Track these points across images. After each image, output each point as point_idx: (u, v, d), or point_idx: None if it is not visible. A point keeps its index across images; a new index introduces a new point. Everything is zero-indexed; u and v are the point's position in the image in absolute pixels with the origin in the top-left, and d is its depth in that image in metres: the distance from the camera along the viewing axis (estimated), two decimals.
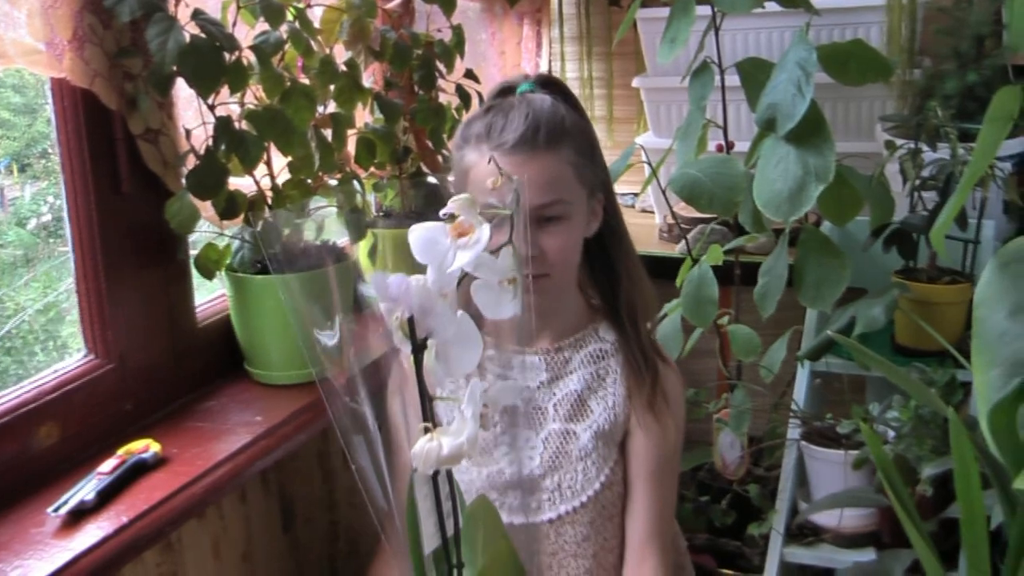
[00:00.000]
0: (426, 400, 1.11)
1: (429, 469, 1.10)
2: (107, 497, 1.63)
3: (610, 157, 2.61)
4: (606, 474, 1.84)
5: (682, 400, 1.96)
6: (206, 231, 1.99)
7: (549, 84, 1.90)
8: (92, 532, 1.54)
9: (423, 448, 1.08)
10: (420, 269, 2.35)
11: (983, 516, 1.13)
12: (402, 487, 1.26)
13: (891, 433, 2.12)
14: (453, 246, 1.07)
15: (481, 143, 1.78)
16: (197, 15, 1.77)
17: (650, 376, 1.88)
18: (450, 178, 2.00)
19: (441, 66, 2.43)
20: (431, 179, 2.47)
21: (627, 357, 1.89)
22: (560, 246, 1.79)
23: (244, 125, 1.89)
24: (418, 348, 1.08)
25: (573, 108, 1.87)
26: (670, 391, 1.90)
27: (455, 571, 1.19)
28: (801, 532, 2.32)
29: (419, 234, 1.08)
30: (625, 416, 1.87)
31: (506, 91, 1.89)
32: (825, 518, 2.24)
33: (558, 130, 1.78)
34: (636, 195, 3.58)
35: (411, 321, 1.07)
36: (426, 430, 1.10)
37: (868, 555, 2.19)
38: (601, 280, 1.93)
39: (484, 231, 1.07)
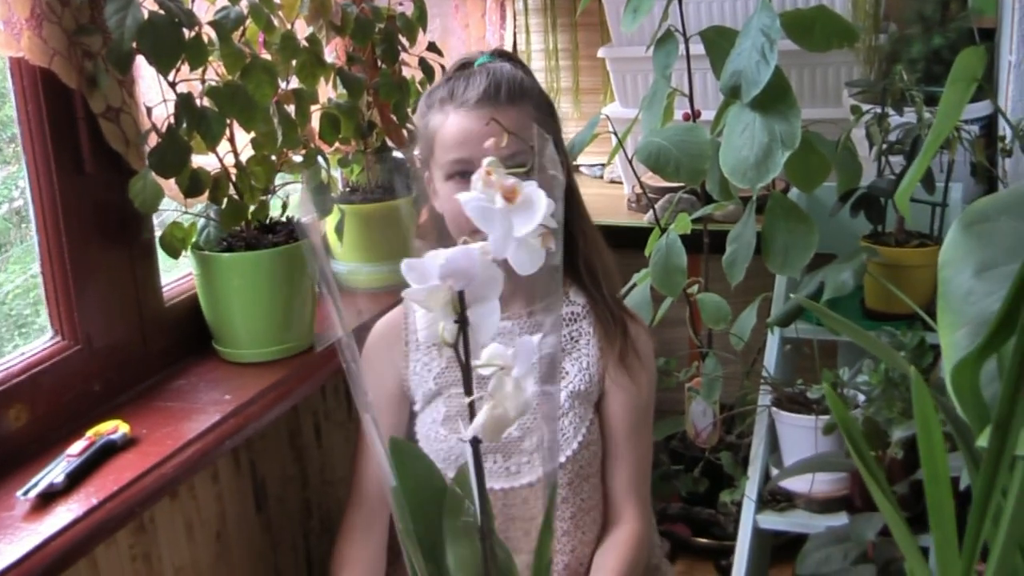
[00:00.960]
0: (470, 373, 1.09)
1: (497, 437, 1.09)
2: (77, 479, 1.62)
3: (576, 128, 2.62)
4: (583, 434, 1.85)
5: (652, 356, 1.97)
6: (171, 209, 1.98)
7: (505, 56, 1.95)
8: (62, 515, 1.54)
9: (489, 417, 1.07)
10: (386, 244, 2.35)
11: (947, 476, 1.13)
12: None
13: (861, 397, 2.13)
14: (507, 211, 1.05)
15: (445, 104, 1.84)
16: None
17: (620, 335, 1.90)
18: (415, 152, 2.00)
19: (404, 40, 2.42)
20: (396, 154, 2.46)
21: (598, 318, 1.91)
22: None
23: (206, 102, 1.87)
24: (466, 321, 1.07)
25: (531, 79, 1.92)
26: (641, 348, 1.93)
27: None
28: (773, 498, 2.33)
29: (474, 204, 1.05)
30: (600, 376, 1.89)
31: (464, 65, 1.92)
32: (797, 484, 2.25)
33: (518, 89, 1.84)
34: (604, 166, 3.58)
35: (462, 295, 1.05)
36: (471, 404, 1.09)
37: (840, 519, 2.19)
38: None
39: (536, 193, 1.05)
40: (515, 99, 1.82)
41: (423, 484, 1.22)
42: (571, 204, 1.90)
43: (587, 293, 1.92)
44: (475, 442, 1.11)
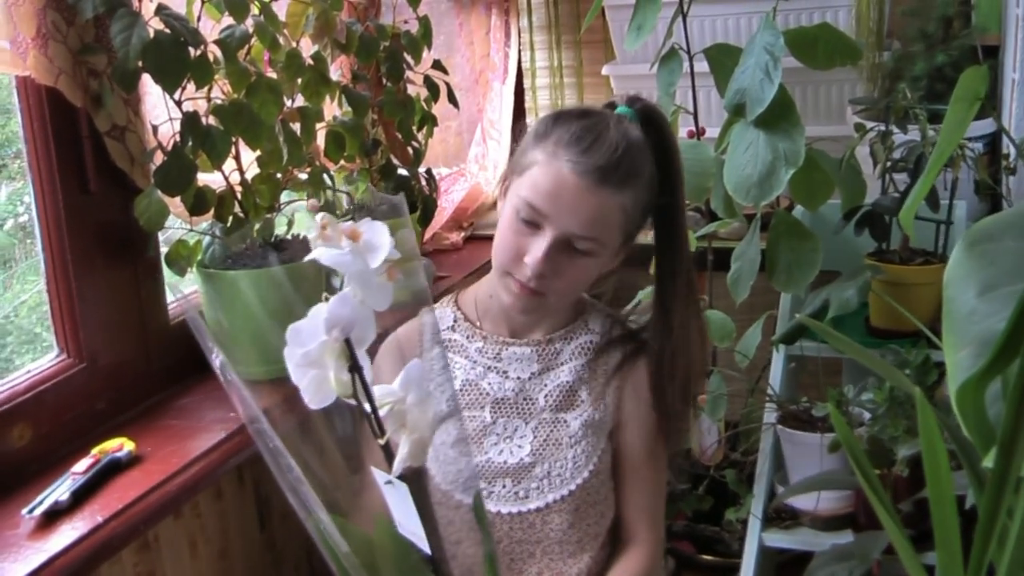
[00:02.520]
0: (376, 414, 1.11)
1: (423, 461, 1.11)
2: (81, 497, 1.62)
3: None
4: (595, 463, 1.84)
5: None
6: (176, 227, 1.98)
7: (649, 119, 1.81)
8: (67, 533, 1.54)
9: (410, 445, 1.09)
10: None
11: (952, 496, 1.13)
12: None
13: (866, 415, 2.12)
14: (358, 251, 1.08)
15: (558, 149, 1.71)
16: (161, 10, 1.76)
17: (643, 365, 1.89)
18: (431, 169, 1.99)
19: (408, 58, 2.43)
20: (401, 171, 2.46)
21: (619, 348, 1.89)
22: (574, 278, 1.77)
23: (211, 120, 1.88)
24: (359, 367, 1.09)
25: (662, 147, 1.80)
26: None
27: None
28: (779, 516, 2.32)
29: (329, 258, 1.09)
30: (615, 406, 1.87)
31: (609, 107, 1.81)
32: (802, 501, 2.25)
33: (635, 173, 1.72)
34: None
35: (349, 342, 1.08)
36: (385, 446, 1.11)
37: (846, 537, 2.19)
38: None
39: (376, 226, 1.09)
40: (621, 184, 1.70)
41: (358, 545, 1.24)
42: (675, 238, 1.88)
43: (607, 322, 1.90)
44: (407, 478, 1.12)
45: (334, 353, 1.08)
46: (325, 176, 2.15)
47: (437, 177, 2.67)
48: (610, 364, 1.88)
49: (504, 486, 1.83)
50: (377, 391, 1.12)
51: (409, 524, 1.16)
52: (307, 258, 1.08)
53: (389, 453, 1.11)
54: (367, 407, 1.11)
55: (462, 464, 1.82)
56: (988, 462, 1.04)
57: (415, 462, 1.10)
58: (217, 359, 1.17)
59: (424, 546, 1.17)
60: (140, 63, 1.73)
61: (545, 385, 1.86)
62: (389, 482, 1.13)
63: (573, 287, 1.81)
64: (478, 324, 1.87)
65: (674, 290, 1.85)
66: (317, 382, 1.10)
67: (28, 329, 1.95)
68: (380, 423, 1.11)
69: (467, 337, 1.86)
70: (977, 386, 1.05)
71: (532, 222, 1.71)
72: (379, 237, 1.08)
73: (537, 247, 1.70)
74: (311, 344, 1.07)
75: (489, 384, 1.83)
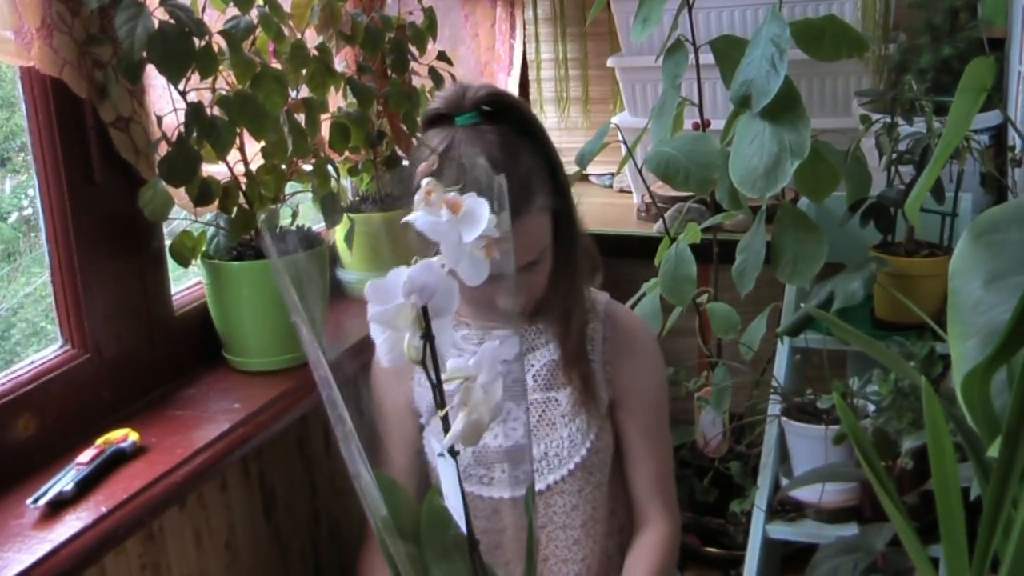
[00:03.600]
0: (441, 385, 1.11)
1: (475, 442, 1.11)
2: (86, 487, 1.62)
3: (586, 138, 2.62)
4: (591, 439, 1.85)
5: (656, 354, 1.98)
6: (181, 218, 1.98)
7: (497, 109, 1.78)
8: (71, 523, 1.54)
9: (465, 424, 1.09)
10: (395, 253, 2.34)
11: (957, 486, 1.13)
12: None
13: (871, 407, 2.12)
14: (454, 222, 1.07)
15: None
16: (165, 1, 1.76)
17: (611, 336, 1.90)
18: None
19: (413, 49, 2.42)
20: (406, 162, 2.46)
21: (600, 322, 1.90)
22: (541, 282, 1.83)
23: (216, 111, 1.88)
24: (432, 337, 1.09)
25: (523, 126, 1.79)
26: (640, 349, 1.92)
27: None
28: (783, 508, 2.32)
29: (422, 221, 1.08)
30: (607, 381, 1.88)
31: (440, 119, 1.79)
32: (807, 493, 2.25)
33: (523, 191, 1.72)
34: (613, 175, 3.58)
35: (426, 310, 1.08)
36: (445, 417, 1.11)
37: (850, 529, 2.19)
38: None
39: (477, 202, 1.07)
40: (523, 207, 1.71)
41: (401, 510, 1.25)
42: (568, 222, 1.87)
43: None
44: (452, 452, 1.12)
45: (409, 318, 1.08)
46: (330, 167, 2.15)
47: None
48: (596, 338, 1.89)
49: (503, 471, 1.83)
50: (450, 364, 1.12)
51: (452, 500, 1.17)
52: (403, 220, 1.08)
53: (447, 426, 1.11)
54: (433, 377, 1.10)
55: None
56: (993, 452, 1.04)
57: (467, 443, 1.10)
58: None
59: (463, 525, 1.17)
60: (145, 54, 1.72)
61: (532, 365, 1.87)
62: (441, 454, 1.13)
63: (543, 288, 1.85)
64: (460, 313, 1.87)
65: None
66: (391, 342, 1.10)
67: (33, 321, 1.96)
68: (443, 395, 1.11)
69: (452, 325, 1.87)
70: (983, 376, 1.05)
71: None
72: (479, 212, 1.07)
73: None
74: (387, 304, 1.07)
75: None
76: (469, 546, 1.17)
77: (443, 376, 1.11)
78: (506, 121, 1.76)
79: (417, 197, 1.08)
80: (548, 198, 1.78)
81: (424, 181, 1.09)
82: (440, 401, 1.12)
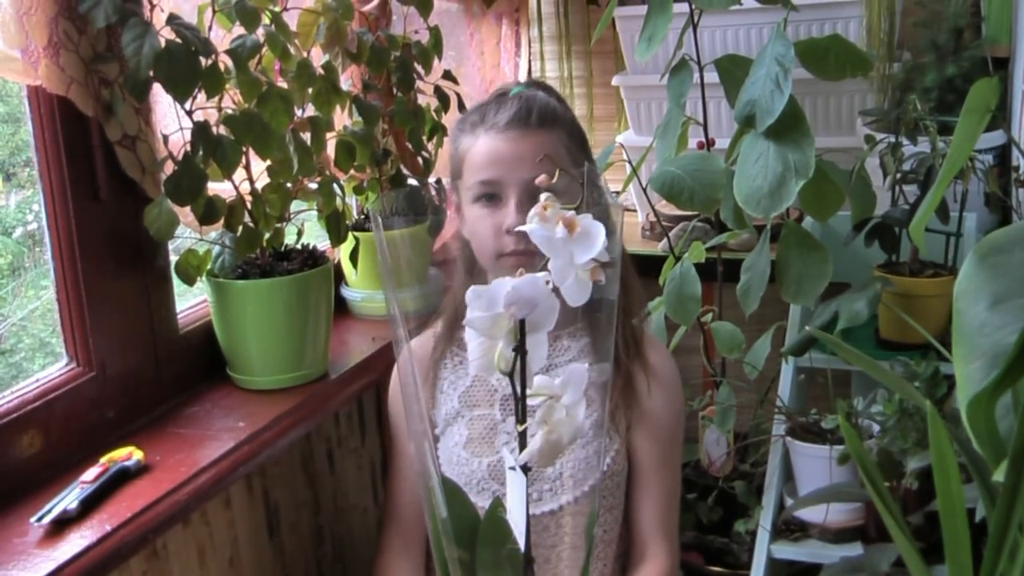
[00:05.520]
0: (525, 401, 1.12)
1: (551, 462, 1.12)
2: (90, 505, 1.62)
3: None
4: (607, 463, 1.85)
5: (677, 386, 1.97)
6: (186, 236, 1.98)
7: (541, 86, 1.98)
8: (75, 541, 1.54)
9: (544, 443, 1.09)
10: (401, 272, 2.35)
11: (963, 508, 1.13)
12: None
13: (876, 427, 2.12)
14: (568, 241, 1.07)
15: (476, 128, 1.85)
16: (172, 20, 1.76)
17: (640, 368, 1.89)
18: (442, 180, 2.01)
19: (419, 68, 2.43)
20: (412, 181, 2.46)
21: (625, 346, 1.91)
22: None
23: (222, 129, 1.88)
24: (524, 351, 1.09)
25: (564, 107, 1.94)
26: (662, 378, 1.91)
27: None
28: (788, 528, 2.32)
29: (539, 233, 1.08)
30: (626, 406, 1.88)
31: (501, 93, 1.94)
32: (811, 514, 2.24)
33: (551, 115, 1.85)
34: (618, 194, 3.58)
35: (523, 323, 1.08)
36: (523, 432, 1.11)
37: (855, 550, 2.18)
38: None
39: (594, 225, 1.08)
40: (546, 124, 1.83)
41: (460, 515, 1.25)
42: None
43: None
44: (525, 469, 1.12)
45: (505, 328, 1.08)
46: (335, 186, 2.16)
47: (447, 187, 2.67)
48: (628, 363, 1.89)
49: (552, 490, 1.84)
50: (538, 380, 1.13)
51: (515, 514, 1.17)
52: (518, 227, 1.09)
53: (524, 442, 1.11)
54: (519, 390, 1.12)
55: (474, 465, 1.82)
56: (999, 476, 1.04)
57: (543, 463, 1.11)
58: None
59: (521, 541, 1.18)
60: (151, 72, 1.73)
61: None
62: (512, 468, 1.14)
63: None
64: None
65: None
66: (483, 349, 1.10)
67: (39, 336, 1.96)
68: (525, 410, 1.12)
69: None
70: (988, 399, 1.05)
71: (491, 196, 1.82)
72: (595, 234, 1.08)
73: (508, 211, 1.78)
74: (487, 312, 1.07)
75: (498, 380, 1.83)
76: (525, 562, 1.18)
77: (528, 391, 1.12)
78: (550, 94, 1.96)
79: (532, 212, 1.09)
80: (573, 145, 1.89)
81: (542, 196, 1.09)
82: (521, 416, 1.12)
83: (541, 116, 1.83)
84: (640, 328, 1.99)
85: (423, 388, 1.93)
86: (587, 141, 1.95)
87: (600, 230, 1.08)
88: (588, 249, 1.07)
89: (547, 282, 1.08)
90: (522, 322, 1.08)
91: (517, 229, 1.09)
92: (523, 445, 1.12)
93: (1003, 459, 1.04)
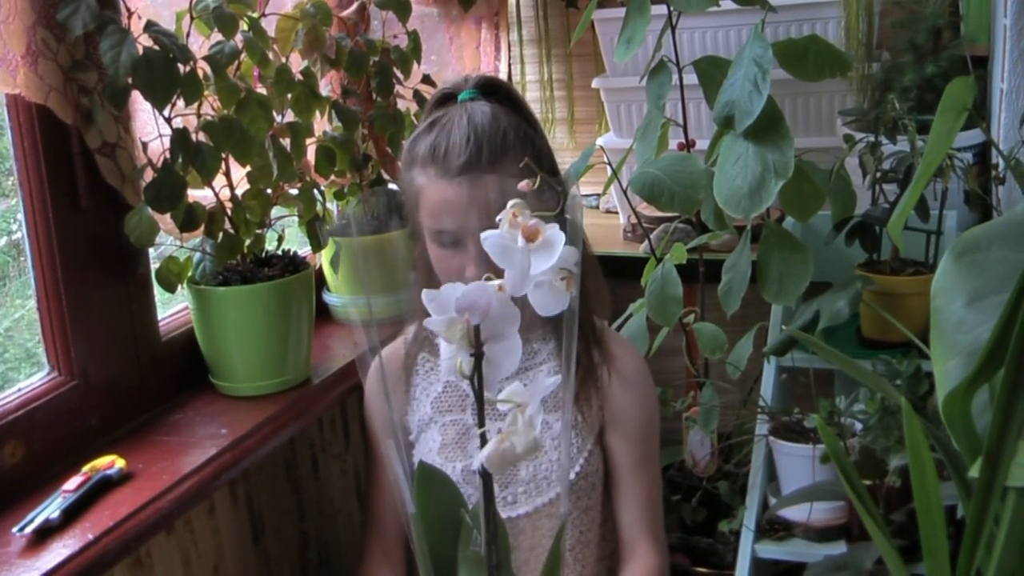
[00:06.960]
0: (483, 405, 1.12)
1: (502, 469, 1.11)
2: (73, 515, 1.62)
3: (572, 158, 2.62)
4: (580, 464, 1.85)
5: (647, 384, 1.98)
6: (167, 244, 1.98)
7: (491, 89, 1.89)
8: (58, 551, 1.54)
9: (496, 450, 1.09)
10: (381, 277, 2.35)
11: (940, 505, 1.13)
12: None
13: (858, 426, 2.13)
14: (527, 251, 1.07)
15: (427, 167, 1.79)
16: (150, 27, 1.77)
17: (601, 359, 1.89)
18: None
19: (398, 72, 2.43)
20: (392, 186, 2.46)
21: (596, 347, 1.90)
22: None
23: (201, 136, 1.88)
24: (481, 355, 1.09)
25: (517, 112, 1.87)
26: (631, 377, 1.91)
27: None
28: (772, 527, 2.32)
29: (493, 241, 1.08)
30: (599, 406, 1.88)
31: (447, 98, 1.88)
32: (795, 513, 2.25)
33: (502, 145, 1.78)
34: (599, 196, 3.58)
35: (477, 329, 1.08)
36: (483, 435, 1.11)
37: (839, 548, 2.19)
38: None
39: (556, 235, 1.07)
40: (498, 159, 1.76)
41: (444, 511, 1.24)
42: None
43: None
44: (485, 472, 1.12)
45: (458, 333, 1.08)
46: (316, 191, 2.16)
47: None
48: (591, 364, 1.89)
49: (525, 492, 1.84)
50: (510, 388, 1.13)
51: (480, 517, 1.17)
52: (483, 234, 1.08)
53: (484, 444, 1.11)
54: (478, 392, 1.12)
55: (448, 470, 1.82)
56: (974, 472, 1.05)
57: (493, 469, 1.10)
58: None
59: (483, 544, 1.18)
60: (130, 80, 1.73)
61: (524, 386, 1.87)
62: (474, 472, 1.14)
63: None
64: None
65: None
66: (447, 351, 1.10)
67: (25, 346, 1.96)
68: (483, 414, 1.12)
69: None
70: (964, 396, 1.06)
71: (451, 242, 1.78)
72: (554, 245, 1.07)
73: (469, 257, 1.76)
74: (441, 316, 1.07)
75: (468, 385, 1.84)
76: (493, 565, 1.18)
77: (499, 397, 1.12)
78: (502, 100, 1.87)
79: (500, 216, 1.08)
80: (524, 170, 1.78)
81: (510, 203, 1.09)
82: (480, 419, 1.12)
83: (492, 152, 1.76)
84: (602, 323, 1.99)
85: (395, 394, 1.93)
86: (543, 149, 1.87)
87: (560, 241, 1.07)
88: (547, 259, 1.07)
89: (500, 288, 1.08)
90: (477, 328, 1.08)
91: (483, 235, 1.08)
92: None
93: (979, 455, 1.05)
